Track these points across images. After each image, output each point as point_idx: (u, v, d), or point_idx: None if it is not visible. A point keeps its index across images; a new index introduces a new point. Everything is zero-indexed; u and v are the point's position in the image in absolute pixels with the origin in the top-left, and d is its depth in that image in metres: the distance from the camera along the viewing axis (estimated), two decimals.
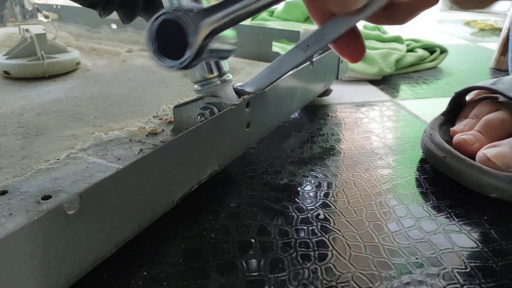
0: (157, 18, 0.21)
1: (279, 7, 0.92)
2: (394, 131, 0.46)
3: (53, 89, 0.49)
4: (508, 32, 0.71)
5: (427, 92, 0.61)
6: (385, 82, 0.65)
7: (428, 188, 0.34)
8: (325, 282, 0.24)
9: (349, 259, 0.26)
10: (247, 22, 0.90)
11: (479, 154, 0.33)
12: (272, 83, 0.32)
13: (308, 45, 0.27)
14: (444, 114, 0.42)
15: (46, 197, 0.25)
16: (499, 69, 0.74)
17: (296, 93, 0.41)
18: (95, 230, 0.20)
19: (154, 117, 0.39)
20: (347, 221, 0.30)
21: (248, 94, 0.32)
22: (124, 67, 0.58)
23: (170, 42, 0.21)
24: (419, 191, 0.34)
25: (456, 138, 0.36)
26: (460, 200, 0.32)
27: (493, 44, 0.76)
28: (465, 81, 0.67)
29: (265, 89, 0.33)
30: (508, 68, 0.73)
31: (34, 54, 0.54)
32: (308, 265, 0.25)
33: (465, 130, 0.37)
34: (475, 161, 0.33)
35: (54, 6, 0.81)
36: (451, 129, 0.39)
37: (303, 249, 0.27)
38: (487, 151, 0.33)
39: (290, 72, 0.39)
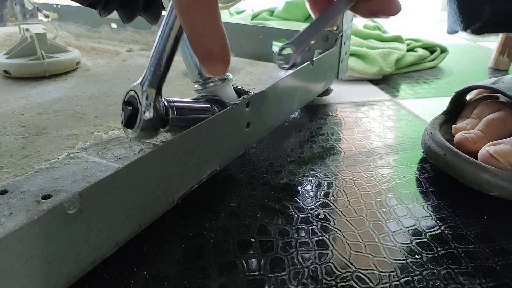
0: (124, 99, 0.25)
1: (279, 6, 0.92)
2: (394, 131, 0.46)
3: (53, 88, 0.49)
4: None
5: (427, 91, 0.61)
6: (385, 81, 0.65)
7: (428, 187, 0.34)
8: (325, 281, 0.24)
9: (349, 258, 0.26)
10: (248, 21, 0.90)
11: (482, 151, 0.33)
12: (318, 34, 0.31)
13: None
14: (444, 113, 0.42)
15: (46, 197, 0.25)
16: (498, 69, 0.74)
17: (296, 92, 0.41)
18: (95, 230, 0.20)
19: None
20: (347, 220, 0.30)
21: (248, 94, 0.32)
22: (124, 67, 0.58)
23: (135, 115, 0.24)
24: (419, 191, 0.34)
25: (458, 136, 0.36)
26: (460, 200, 0.32)
27: (494, 44, 0.76)
28: (465, 80, 0.67)
29: (264, 86, 0.33)
30: (506, 68, 0.73)
31: (34, 54, 0.54)
32: (308, 264, 0.25)
33: (467, 129, 0.37)
34: (476, 160, 0.33)
35: (54, 6, 0.81)
36: (453, 126, 0.39)
37: (303, 248, 0.27)
38: (490, 148, 0.33)
39: (290, 72, 0.39)
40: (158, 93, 0.25)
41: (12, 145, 0.34)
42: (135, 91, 0.24)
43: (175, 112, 0.26)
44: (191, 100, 0.29)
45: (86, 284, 0.23)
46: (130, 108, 0.24)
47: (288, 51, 0.26)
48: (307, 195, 0.33)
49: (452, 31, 0.40)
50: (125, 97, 0.25)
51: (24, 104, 0.44)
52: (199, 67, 0.30)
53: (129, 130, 0.25)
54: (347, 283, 0.24)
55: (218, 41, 0.21)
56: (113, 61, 0.62)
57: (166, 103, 0.26)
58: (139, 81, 0.24)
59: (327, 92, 0.55)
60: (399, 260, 0.26)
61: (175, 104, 0.26)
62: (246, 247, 0.27)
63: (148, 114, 0.24)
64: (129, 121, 0.24)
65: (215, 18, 0.20)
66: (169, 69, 0.25)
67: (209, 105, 0.29)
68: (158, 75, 0.24)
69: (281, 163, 0.38)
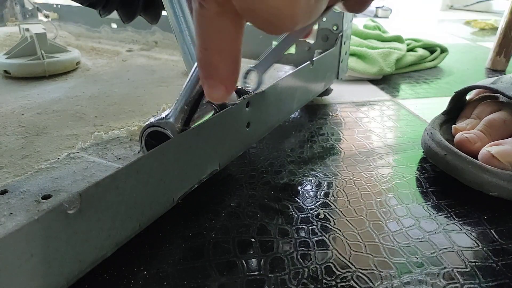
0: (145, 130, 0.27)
1: None
2: (394, 131, 0.46)
3: (53, 88, 0.49)
4: (504, 31, 0.71)
5: (427, 91, 0.61)
6: (386, 81, 0.65)
7: (428, 187, 0.34)
8: (325, 281, 0.24)
9: (349, 258, 0.26)
10: None
11: (483, 151, 0.33)
12: (289, 47, 0.31)
13: None
14: (444, 113, 0.42)
15: (46, 197, 0.25)
16: (495, 69, 0.74)
17: (296, 92, 0.41)
18: (95, 230, 0.20)
19: (154, 116, 0.39)
20: (347, 220, 0.30)
21: (248, 94, 0.32)
22: (124, 67, 0.58)
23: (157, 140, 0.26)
24: (419, 191, 0.34)
25: (459, 136, 0.36)
26: (460, 200, 0.32)
27: (492, 44, 0.76)
28: (465, 80, 0.67)
29: (264, 86, 0.33)
30: (504, 68, 0.73)
31: (34, 54, 0.54)
32: (308, 264, 0.25)
33: (467, 129, 0.37)
34: (476, 160, 0.33)
35: (54, 6, 0.81)
36: (453, 126, 0.39)
37: (303, 248, 0.27)
38: (491, 148, 0.33)
39: (290, 72, 0.39)
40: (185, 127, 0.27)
41: (12, 145, 0.34)
42: (162, 127, 0.26)
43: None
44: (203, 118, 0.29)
45: (86, 284, 0.23)
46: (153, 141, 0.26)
47: (253, 75, 0.27)
48: (307, 195, 0.33)
49: None
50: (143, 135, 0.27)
51: (24, 104, 0.44)
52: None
53: None
54: (347, 283, 0.24)
55: (226, 63, 0.17)
56: (113, 61, 0.62)
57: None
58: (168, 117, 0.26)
59: (327, 92, 0.55)
60: (399, 260, 0.26)
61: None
62: (246, 247, 0.27)
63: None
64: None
65: (234, 36, 0.17)
66: (197, 107, 0.26)
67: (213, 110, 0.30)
68: (186, 112, 0.26)
69: (281, 163, 0.38)
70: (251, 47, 0.58)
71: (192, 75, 0.25)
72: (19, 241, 0.16)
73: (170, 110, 0.26)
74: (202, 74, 0.18)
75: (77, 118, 0.40)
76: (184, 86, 0.26)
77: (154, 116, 0.26)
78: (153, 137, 0.26)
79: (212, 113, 0.29)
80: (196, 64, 0.24)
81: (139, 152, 0.32)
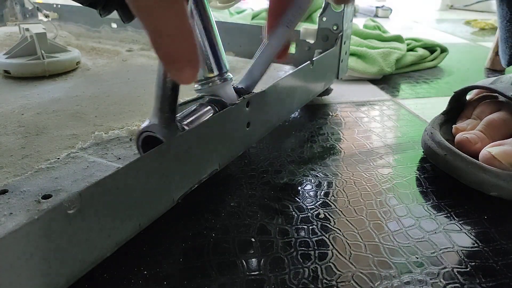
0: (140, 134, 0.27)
1: None
2: (394, 131, 0.46)
3: (53, 88, 0.49)
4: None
5: (427, 91, 0.61)
6: (386, 81, 0.65)
7: (428, 187, 0.34)
8: (325, 281, 0.24)
9: (349, 258, 0.26)
10: (248, 21, 0.90)
11: (483, 152, 0.33)
12: (266, 69, 0.32)
13: (291, 20, 0.27)
14: (444, 113, 0.42)
15: (46, 196, 0.25)
16: (494, 69, 0.74)
17: (296, 92, 0.41)
18: (95, 229, 0.20)
19: (147, 120, 0.39)
20: (347, 220, 0.30)
21: (248, 94, 0.32)
22: (124, 67, 0.58)
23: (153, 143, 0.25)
24: (419, 190, 0.34)
25: (459, 136, 0.36)
26: (460, 200, 0.32)
27: (493, 44, 0.76)
28: (465, 80, 0.67)
29: (264, 88, 0.33)
30: (503, 68, 0.73)
31: (34, 53, 0.54)
32: (308, 264, 0.25)
33: (467, 129, 0.37)
34: (476, 160, 0.33)
35: (54, 5, 0.81)
36: (453, 126, 0.39)
37: (303, 248, 0.27)
38: (492, 149, 0.33)
39: (290, 71, 0.39)
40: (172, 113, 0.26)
41: (12, 144, 0.34)
42: (150, 131, 0.26)
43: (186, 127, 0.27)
44: (197, 113, 0.29)
45: (86, 284, 0.23)
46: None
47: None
48: (307, 194, 0.33)
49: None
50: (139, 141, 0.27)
51: (24, 103, 0.44)
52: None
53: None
54: (347, 283, 0.24)
55: (184, 42, 0.17)
56: (113, 61, 0.62)
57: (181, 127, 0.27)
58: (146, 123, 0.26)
59: (327, 92, 0.54)
60: (399, 260, 0.26)
61: (187, 124, 0.28)
62: (246, 246, 0.27)
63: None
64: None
65: (180, 15, 0.17)
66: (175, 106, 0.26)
67: (212, 111, 0.30)
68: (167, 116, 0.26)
69: (281, 163, 0.38)
70: (251, 47, 0.59)
71: (158, 71, 0.25)
72: (19, 241, 0.16)
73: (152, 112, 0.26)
74: (166, 62, 0.18)
75: (77, 118, 0.40)
76: (155, 85, 0.25)
77: (147, 120, 0.26)
78: (149, 141, 0.26)
79: (211, 113, 0.29)
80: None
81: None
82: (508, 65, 0.40)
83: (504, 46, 0.38)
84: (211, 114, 0.29)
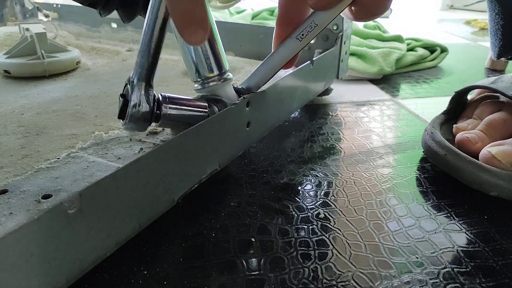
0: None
1: None
2: (395, 130, 0.46)
3: (53, 88, 0.49)
4: None
5: (427, 91, 0.61)
6: (386, 81, 0.65)
7: (428, 187, 0.34)
8: (325, 281, 0.24)
9: (349, 258, 0.26)
10: (248, 21, 0.90)
11: (483, 151, 0.33)
12: (270, 78, 0.32)
13: (303, 33, 0.27)
14: (444, 113, 0.42)
15: (46, 196, 0.25)
16: (494, 69, 0.74)
17: (297, 92, 0.41)
18: (95, 229, 0.20)
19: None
20: (347, 220, 0.30)
21: (248, 93, 0.32)
22: (124, 66, 0.58)
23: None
24: (419, 190, 0.34)
25: (459, 136, 0.36)
26: (460, 199, 0.32)
27: None
28: (465, 80, 0.67)
29: (264, 88, 0.33)
30: (503, 68, 0.73)
31: (34, 53, 0.54)
32: (308, 264, 0.25)
33: (468, 129, 0.37)
34: (476, 160, 0.33)
35: (54, 5, 0.81)
36: (454, 125, 0.39)
37: (303, 248, 0.27)
38: (492, 149, 0.33)
39: (290, 71, 0.39)
40: (148, 84, 0.25)
41: (12, 144, 0.34)
42: (127, 83, 0.25)
43: (168, 106, 0.26)
44: (189, 98, 0.29)
45: (86, 284, 0.23)
46: (121, 100, 0.25)
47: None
48: (307, 194, 0.33)
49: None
50: (122, 90, 0.25)
51: (24, 103, 0.44)
52: (197, 67, 0.30)
53: (121, 121, 0.25)
54: (347, 283, 0.24)
55: (199, 6, 0.20)
56: (113, 61, 0.61)
57: (160, 98, 0.26)
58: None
59: (327, 91, 0.54)
60: (399, 259, 0.26)
61: (169, 99, 0.26)
62: (246, 246, 0.27)
63: (137, 106, 0.24)
64: (122, 113, 0.25)
65: None
66: (157, 60, 0.25)
67: (206, 103, 0.29)
68: (147, 67, 0.25)
69: (281, 163, 0.38)
70: (251, 47, 0.59)
71: (144, 38, 0.25)
72: (19, 241, 0.16)
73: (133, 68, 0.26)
74: (180, 24, 0.21)
75: (77, 118, 0.40)
76: (138, 51, 0.26)
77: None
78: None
79: (205, 109, 0.29)
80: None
81: (139, 151, 0.31)
82: (498, 58, 0.40)
83: (493, 39, 0.39)
84: (205, 111, 0.29)
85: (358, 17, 0.26)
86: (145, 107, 0.24)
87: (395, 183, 0.35)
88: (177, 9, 0.20)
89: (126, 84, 0.25)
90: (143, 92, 0.24)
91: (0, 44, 0.68)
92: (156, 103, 0.25)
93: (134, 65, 0.25)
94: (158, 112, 0.25)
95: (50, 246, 0.18)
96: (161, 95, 0.26)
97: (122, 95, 0.25)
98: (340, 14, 0.26)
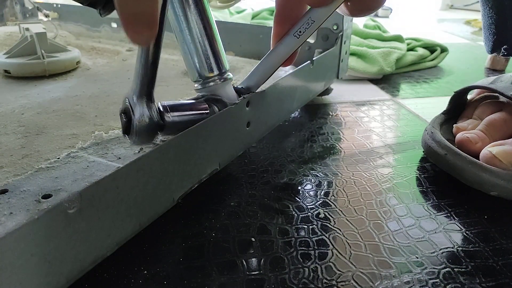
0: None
1: None
2: (395, 130, 0.46)
3: (54, 88, 0.49)
4: None
5: (427, 91, 0.61)
6: (386, 81, 0.65)
7: (429, 187, 0.34)
8: (325, 281, 0.24)
9: (349, 258, 0.26)
10: (248, 21, 0.90)
11: (484, 151, 0.33)
12: (269, 76, 0.32)
13: (300, 30, 0.27)
14: (444, 112, 0.42)
15: (46, 196, 0.25)
16: (494, 69, 0.74)
17: (297, 92, 0.41)
18: (95, 229, 0.20)
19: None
20: (347, 220, 0.30)
21: (248, 93, 0.32)
22: (124, 66, 0.58)
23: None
24: (419, 190, 0.34)
25: (460, 136, 0.36)
26: (460, 199, 0.32)
27: None
28: (465, 80, 0.67)
29: (264, 88, 0.33)
30: (503, 68, 0.73)
31: (34, 53, 0.54)
32: (309, 264, 0.25)
33: (468, 129, 0.37)
34: (476, 159, 0.33)
35: (54, 5, 0.81)
36: (454, 125, 0.39)
37: (303, 248, 0.27)
38: (493, 148, 0.33)
39: (291, 71, 0.39)
40: (149, 99, 0.25)
41: (12, 144, 0.34)
42: (128, 100, 0.25)
43: (170, 115, 0.26)
44: (187, 102, 0.29)
45: (86, 284, 0.23)
46: (124, 116, 0.25)
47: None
48: (307, 194, 0.33)
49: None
50: (121, 108, 0.25)
51: (24, 103, 0.44)
52: (197, 67, 0.30)
53: (127, 136, 0.25)
54: (347, 282, 0.24)
55: (148, 6, 0.19)
56: (113, 61, 0.61)
57: (161, 108, 0.26)
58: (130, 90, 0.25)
59: (327, 91, 0.54)
60: (399, 259, 0.26)
61: (170, 107, 0.27)
62: (246, 246, 0.27)
63: (141, 119, 0.24)
64: (127, 129, 0.25)
65: None
66: (155, 73, 0.25)
67: (206, 105, 0.29)
68: (146, 81, 0.25)
69: (281, 163, 0.38)
70: (251, 47, 0.59)
71: (140, 48, 0.25)
72: (19, 241, 0.16)
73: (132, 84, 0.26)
74: (128, 22, 0.19)
75: (77, 118, 0.40)
76: (136, 62, 0.25)
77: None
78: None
79: (206, 112, 0.29)
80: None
81: (139, 151, 0.32)
82: (491, 52, 0.40)
83: (487, 33, 0.39)
84: (206, 113, 0.29)
85: (354, 12, 0.26)
86: (149, 119, 0.24)
87: (395, 183, 0.35)
88: (122, 3, 0.18)
89: (125, 101, 0.25)
90: (145, 106, 0.25)
91: (0, 44, 0.68)
92: (159, 114, 0.26)
93: (133, 78, 0.25)
94: (162, 122, 0.26)
95: (50, 246, 0.18)
96: (161, 105, 0.26)
97: (123, 112, 0.25)
98: (336, 10, 0.26)
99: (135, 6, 0.18)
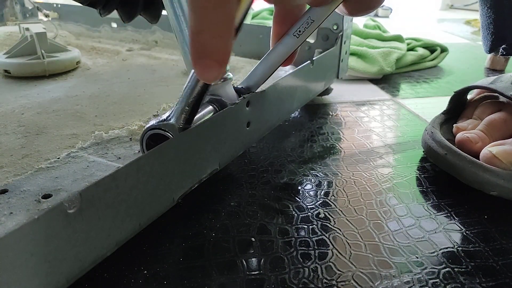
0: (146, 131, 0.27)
1: None
2: (395, 130, 0.46)
3: (54, 88, 0.49)
4: None
5: (427, 91, 0.61)
6: (386, 81, 0.65)
7: (429, 187, 0.34)
8: (325, 281, 0.24)
9: (349, 258, 0.26)
10: (248, 21, 0.90)
11: (484, 151, 0.33)
12: (269, 76, 0.32)
13: (300, 30, 0.27)
14: (444, 112, 0.42)
15: (46, 196, 0.25)
16: (494, 69, 0.74)
17: (297, 92, 0.41)
18: (96, 229, 0.20)
19: (154, 116, 0.39)
20: (347, 220, 0.30)
21: (248, 93, 0.32)
22: (124, 66, 0.58)
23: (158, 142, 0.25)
24: (419, 190, 0.34)
25: (460, 136, 0.36)
26: (461, 199, 0.32)
27: None
28: (465, 80, 0.67)
29: (264, 88, 0.33)
30: (503, 68, 0.73)
31: (34, 53, 0.54)
32: (309, 264, 0.25)
33: (468, 129, 0.37)
34: (476, 159, 0.33)
35: (54, 5, 0.81)
36: (454, 125, 0.39)
37: (303, 248, 0.27)
38: (493, 148, 0.33)
39: (291, 71, 0.39)
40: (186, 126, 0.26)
41: (12, 144, 0.34)
42: (162, 129, 0.26)
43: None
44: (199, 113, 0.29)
45: (86, 284, 0.23)
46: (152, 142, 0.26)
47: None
48: (307, 194, 0.33)
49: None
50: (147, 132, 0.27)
51: (24, 103, 0.44)
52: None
53: None
54: (347, 282, 0.24)
55: (222, 42, 0.17)
56: (113, 61, 0.62)
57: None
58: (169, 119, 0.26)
59: (327, 91, 0.54)
60: (399, 259, 0.26)
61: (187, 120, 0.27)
62: (246, 246, 0.27)
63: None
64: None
65: (228, 16, 0.17)
66: (199, 105, 0.26)
67: (211, 106, 0.29)
68: (187, 111, 0.26)
69: (281, 163, 0.38)
70: (251, 47, 0.59)
71: (192, 74, 0.25)
72: (19, 241, 0.16)
73: (171, 111, 0.26)
74: (198, 56, 0.18)
75: (77, 118, 0.40)
76: (185, 86, 0.25)
77: (154, 117, 0.26)
78: (154, 139, 0.26)
79: (212, 112, 0.29)
80: None
81: (139, 151, 0.31)
82: (490, 52, 0.40)
83: (485, 33, 0.39)
84: (212, 114, 0.29)
85: (353, 12, 0.26)
86: None
87: (395, 183, 0.35)
88: (193, 36, 0.17)
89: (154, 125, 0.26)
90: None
91: (0, 44, 0.68)
92: None
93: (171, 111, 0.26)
94: None
95: (50, 246, 0.18)
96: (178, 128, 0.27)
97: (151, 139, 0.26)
98: (336, 9, 0.26)
99: (210, 40, 0.17)
